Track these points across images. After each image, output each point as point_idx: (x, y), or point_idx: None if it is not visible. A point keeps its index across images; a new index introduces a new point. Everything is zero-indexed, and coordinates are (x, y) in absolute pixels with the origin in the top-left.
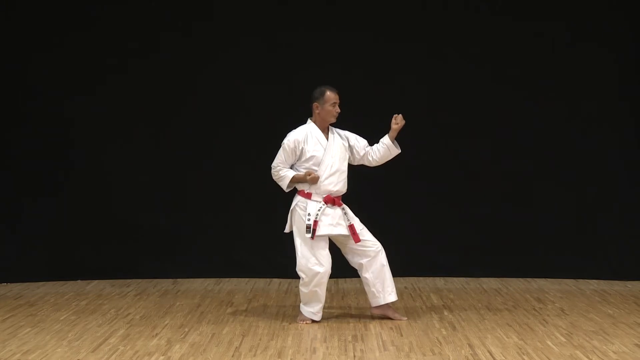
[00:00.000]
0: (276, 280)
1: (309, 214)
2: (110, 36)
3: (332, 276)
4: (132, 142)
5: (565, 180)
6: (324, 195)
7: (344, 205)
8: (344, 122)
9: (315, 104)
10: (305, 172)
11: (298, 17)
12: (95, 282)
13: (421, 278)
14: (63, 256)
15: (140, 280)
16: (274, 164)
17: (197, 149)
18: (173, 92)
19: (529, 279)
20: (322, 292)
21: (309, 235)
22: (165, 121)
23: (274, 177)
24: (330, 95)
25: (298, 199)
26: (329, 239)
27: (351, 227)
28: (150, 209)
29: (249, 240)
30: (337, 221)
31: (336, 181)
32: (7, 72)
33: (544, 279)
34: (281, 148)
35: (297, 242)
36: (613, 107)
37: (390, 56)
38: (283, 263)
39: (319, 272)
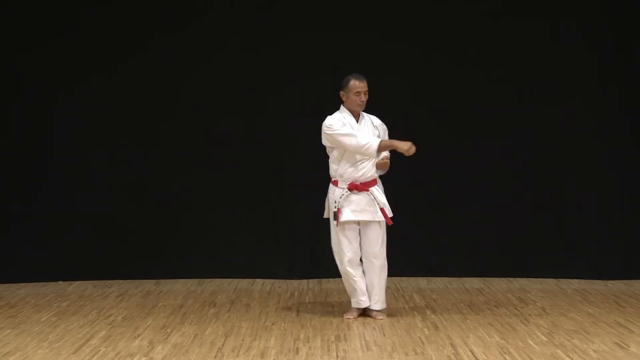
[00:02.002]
0: (259, 281)
1: (335, 202)
2: (106, 36)
3: (315, 276)
4: (116, 143)
5: (546, 181)
6: (348, 182)
7: (373, 189)
8: None
9: (341, 92)
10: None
11: (294, 18)
12: (77, 283)
13: (404, 278)
14: (44, 257)
15: (122, 281)
16: (358, 143)
17: (181, 151)
18: (160, 93)
19: (510, 279)
20: (352, 281)
21: (335, 222)
22: (151, 123)
23: (365, 151)
24: (355, 84)
25: (329, 187)
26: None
27: (382, 211)
28: (133, 209)
29: (232, 240)
30: (362, 207)
31: (359, 167)
32: (4, 71)
33: (525, 278)
34: (334, 134)
35: (331, 228)
36: (598, 106)
37: (385, 56)
38: (266, 263)
39: (344, 259)
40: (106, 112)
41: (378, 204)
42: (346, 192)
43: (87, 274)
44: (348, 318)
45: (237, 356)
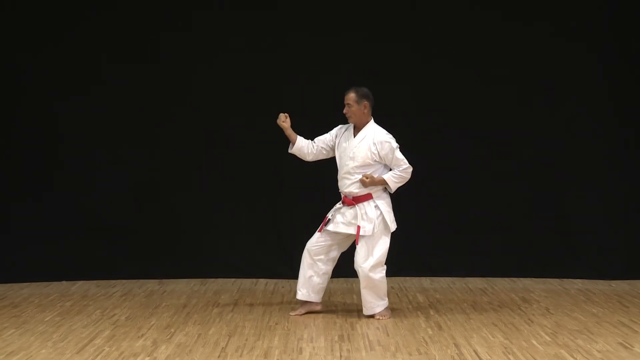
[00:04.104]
0: (262, 281)
1: (333, 210)
2: (108, 36)
3: None
4: (118, 143)
5: (550, 181)
6: (343, 196)
7: (365, 204)
8: (337, 123)
9: None
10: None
11: (296, 19)
12: (80, 282)
13: (407, 278)
14: (48, 257)
15: (125, 280)
16: None
17: (182, 151)
18: (161, 95)
19: (514, 279)
20: (302, 264)
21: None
22: (152, 123)
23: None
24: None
25: None
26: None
27: (357, 228)
28: (136, 209)
29: (235, 240)
30: (349, 220)
31: (346, 182)
32: (6, 72)
33: (529, 278)
34: None
35: None
36: (599, 106)
37: (383, 57)
38: (269, 263)
39: (310, 239)
40: (109, 113)
41: (363, 219)
42: (340, 204)
43: (91, 273)
44: (293, 314)
45: (240, 356)
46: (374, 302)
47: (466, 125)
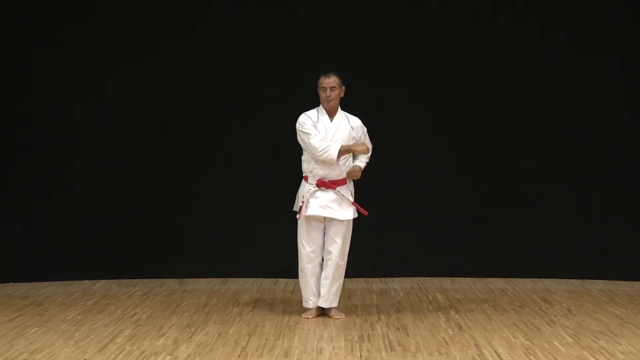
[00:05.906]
0: (282, 280)
1: (302, 196)
2: (116, 36)
3: None
4: (138, 141)
5: (572, 180)
6: (316, 179)
7: (341, 188)
8: None
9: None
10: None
11: (295, 19)
12: (102, 281)
13: (427, 278)
14: (70, 256)
15: (146, 280)
16: (315, 145)
17: (203, 149)
18: (178, 92)
19: (535, 279)
20: (305, 278)
21: (298, 215)
22: (172, 121)
23: (321, 157)
24: (321, 80)
25: (301, 182)
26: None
27: (354, 204)
28: (157, 208)
29: (255, 240)
30: (327, 204)
31: (326, 167)
32: (16, 71)
33: (550, 279)
34: (301, 132)
35: (298, 224)
36: (616, 107)
37: (391, 57)
38: (289, 263)
39: (302, 252)
40: (128, 111)
41: (344, 202)
42: (314, 188)
43: (112, 272)
44: (306, 317)
45: (260, 355)
46: (338, 294)
47: (479, 124)
